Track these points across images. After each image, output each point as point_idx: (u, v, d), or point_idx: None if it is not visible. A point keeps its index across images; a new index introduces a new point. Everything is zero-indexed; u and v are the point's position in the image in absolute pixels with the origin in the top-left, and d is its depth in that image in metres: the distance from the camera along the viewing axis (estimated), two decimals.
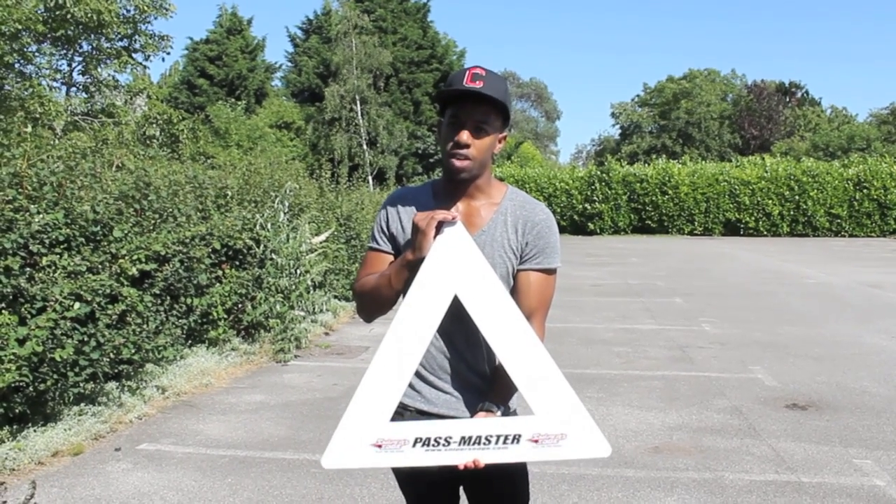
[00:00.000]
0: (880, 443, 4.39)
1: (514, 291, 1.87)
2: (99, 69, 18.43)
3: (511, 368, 1.72)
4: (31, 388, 4.12)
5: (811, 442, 4.40)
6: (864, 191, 26.69)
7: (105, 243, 4.89)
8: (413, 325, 1.74)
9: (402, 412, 1.82)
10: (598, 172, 28.70)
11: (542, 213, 1.90)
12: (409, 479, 1.94)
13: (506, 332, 1.73)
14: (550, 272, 1.89)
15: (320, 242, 8.48)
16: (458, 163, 1.79)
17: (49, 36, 16.88)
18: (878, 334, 7.78)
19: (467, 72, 1.79)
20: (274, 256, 7.21)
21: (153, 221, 5.62)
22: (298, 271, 7.52)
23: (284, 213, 7.79)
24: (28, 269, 4.28)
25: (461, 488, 1.99)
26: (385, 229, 1.93)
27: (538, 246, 1.87)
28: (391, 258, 1.91)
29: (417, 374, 1.85)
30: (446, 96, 1.81)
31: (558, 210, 27.78)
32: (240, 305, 6.75)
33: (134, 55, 18.90)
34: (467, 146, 1.78)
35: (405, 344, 1.74)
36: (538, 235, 1.87)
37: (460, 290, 1.75)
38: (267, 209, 7.59)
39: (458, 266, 1.75)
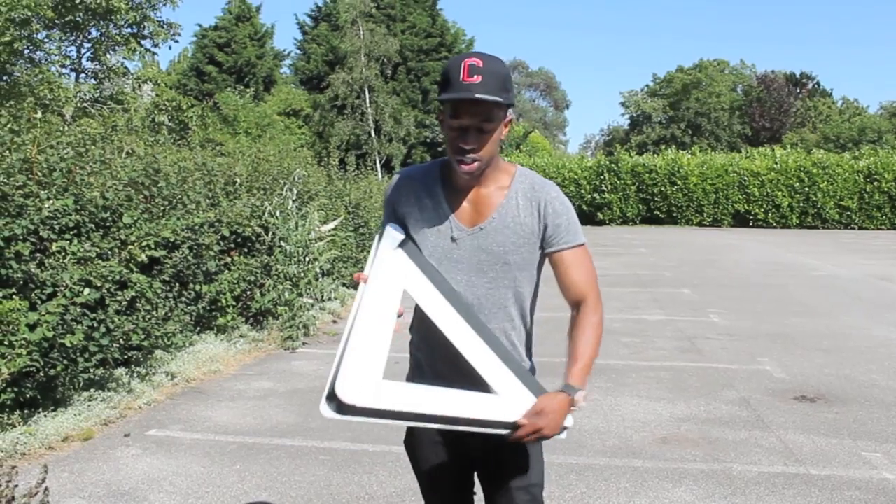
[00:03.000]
0: (889, 436, 4.37)
1: (557, 275, 1.89)
2: (108, 56, 18.43)
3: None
4: (41, 374, 4.15)
5: (820, 434, 4.39)
6: (875, 183, 26.49)
7: (115, 229, 4.90)
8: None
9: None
10: (607, 162, 28.60)
11: (553, 190, 1.89)
12: (423, 463, 1.95)
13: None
14: (579, 247, 1.88)
15: (329, 230, 8.48)
16: (466, 167, 1.77)
17: (58, 22, 16.87)
18: (888, 327, 7.74)
19: (463, 64, 1.72)
20: (283, 244, 7.21)
21: (162, 208, 5.63)
22: (307, 259, 7.53)
23: (293, 201, 7.78)
24: (38, 254, 4.30)
25: (475, 475, 2.00)
26: (393, 213, 1.93)
27: (560, 225, 1.85)
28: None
29: (428, 375, 1.90)
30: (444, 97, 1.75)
31: None
32: (248, 292, 6.77)
33: (142, 42, 18.89)
34: (473, 150, 1.75)
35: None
36: (555, 214, 1.85)
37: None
38: (276, 196, 7.59)
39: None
